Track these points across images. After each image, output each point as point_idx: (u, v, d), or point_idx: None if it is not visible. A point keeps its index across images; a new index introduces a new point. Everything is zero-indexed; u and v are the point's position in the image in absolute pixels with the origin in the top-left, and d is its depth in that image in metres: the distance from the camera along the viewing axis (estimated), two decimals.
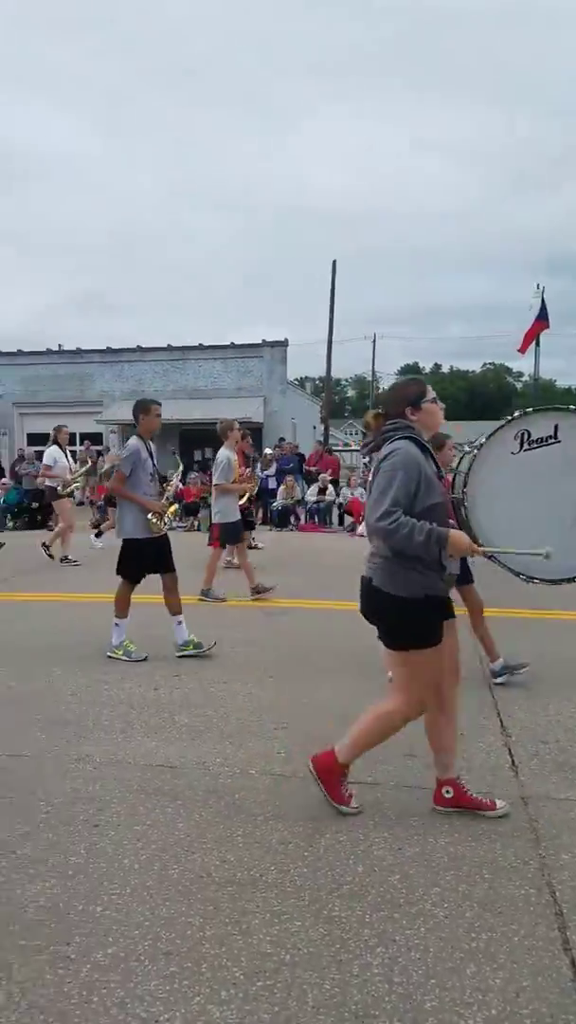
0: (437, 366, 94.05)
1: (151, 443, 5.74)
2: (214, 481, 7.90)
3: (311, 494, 16.51)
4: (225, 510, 7.80)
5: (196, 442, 21.91)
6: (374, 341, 51.01)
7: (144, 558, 5.61)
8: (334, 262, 26.83)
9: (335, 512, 16.61)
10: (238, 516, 7.91)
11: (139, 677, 5.16)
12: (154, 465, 5.71)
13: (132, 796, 3.40)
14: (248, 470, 9.95)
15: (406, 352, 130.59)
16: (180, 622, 5.66)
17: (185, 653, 5.59)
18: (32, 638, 6.30)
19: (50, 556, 10.53)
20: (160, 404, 5.83)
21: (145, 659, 5.51)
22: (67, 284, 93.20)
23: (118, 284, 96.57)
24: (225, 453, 7.84)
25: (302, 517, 16.34)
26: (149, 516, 5.52)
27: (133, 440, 5.66)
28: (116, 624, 5.62)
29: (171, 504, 5.86)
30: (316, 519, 16.19)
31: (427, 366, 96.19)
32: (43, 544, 10.73)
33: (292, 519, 16.27)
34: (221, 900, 2.62)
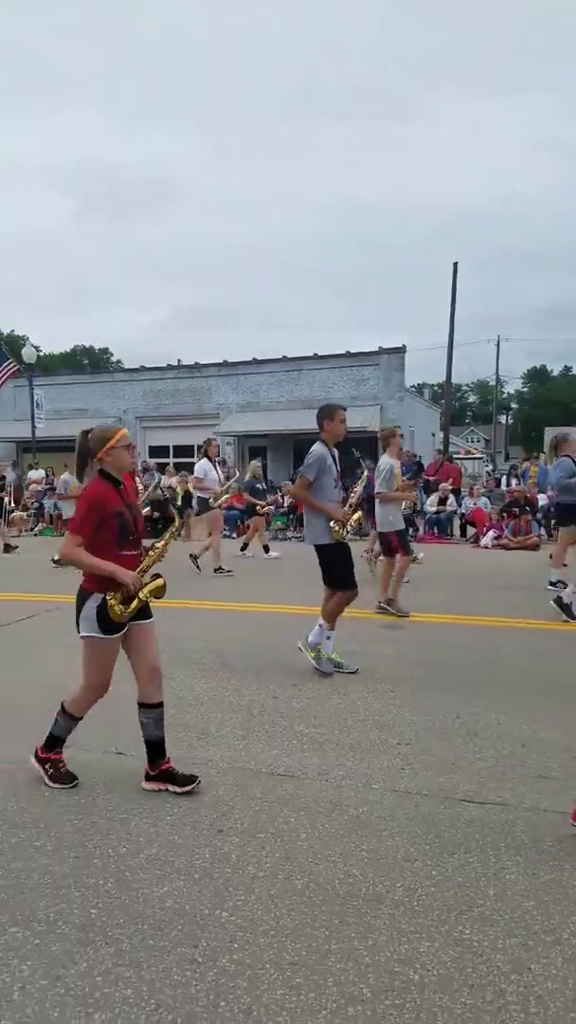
0: (567, 368, 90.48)
1: (335, 450, 5.63)
2: (376, 489, 7.77)
3: (430, 504, 16.24)
4: (395, 519, 7.74)
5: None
6: (498, 344, 49.76)
7: (347, 556, 5.55)
8: (455, 264, 26.40)
9: (456, 523, 16.26)
10: (403, 524, 7.95)
11: (258, 685, 5.24)
12: (339, 471, 5.62)
13: (255, 804, 3.45)
14: (406, 478, 9.89)
15: (532, 355, 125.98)
16: (329, 637, 5.61)
17: (316, 660, 5.56)
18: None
19: (198, 568, 10.79)
20: (345, 409, 5.71)
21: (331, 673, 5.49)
22: (184, 299, 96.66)
23: (233, 297, 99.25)
24: (387, 461, 7.75)
25: (421, 528, 16.10)
26: (332, 524, 5.44)
27: (318, 446, 5.57)
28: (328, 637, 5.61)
29: (354, 511, 5.67)
30: (436, 530, 15.90)
31: (555, 368, 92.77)
32: (191, 556, 10.97)
33: (411, 530, 16.05)
34: (347, 915, 2.61)
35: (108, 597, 3.42)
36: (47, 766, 3.68)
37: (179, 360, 28.63)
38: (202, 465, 11.25)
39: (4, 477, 15.33)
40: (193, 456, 24.66)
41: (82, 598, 3.52)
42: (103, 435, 3.53)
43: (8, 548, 13.54)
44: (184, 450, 25.68)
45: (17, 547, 13.71)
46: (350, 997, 2.21)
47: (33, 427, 21.91)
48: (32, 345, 24.02)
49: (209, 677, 5.46)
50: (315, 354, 25.66)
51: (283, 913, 2.62)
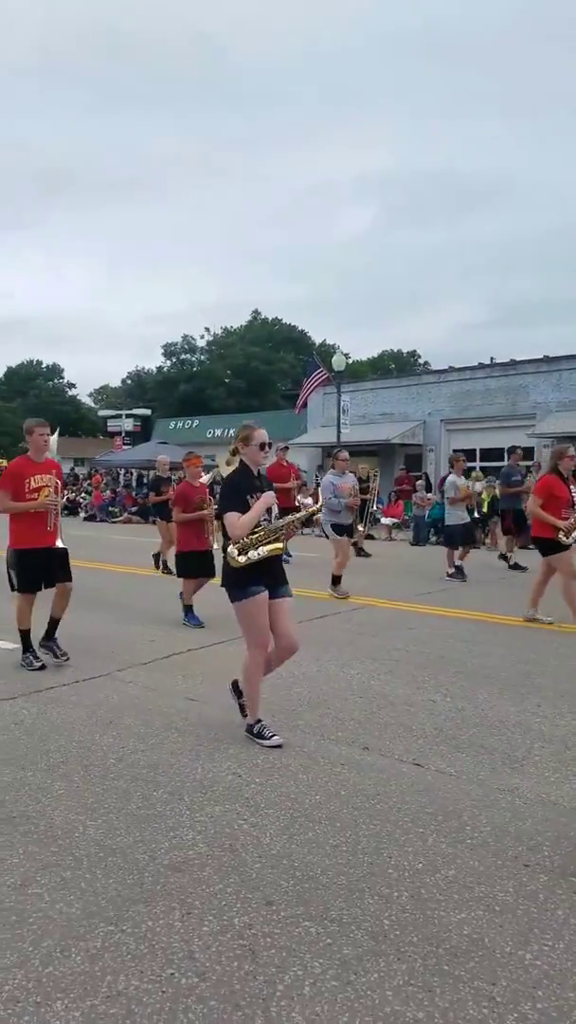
0: None
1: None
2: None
3: None
4: None
5: None
6: None
7: None
8: None
9: None
10: None
11: (574, 715, 4.92)
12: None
13: (567, 843, 3.23)
14: None
15: None
16: None
17: None
18: (459, 658, 6.45)
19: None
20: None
21: None
22: (497, 295, 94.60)
23: (554, 287, 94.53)
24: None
25: None
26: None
27: None
28: None
29: None
30: None
31: None
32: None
33: None
34: None
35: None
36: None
37: (492, 358, 28.13)
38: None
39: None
40: (504, 459, 24.07)
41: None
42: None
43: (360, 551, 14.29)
44: (492, 453, 25.13)
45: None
46: None
47: (339, 431, 23.04)
48: (342, 353, 25.35)
49: (517, 699, 5.25)
50: None
51: None
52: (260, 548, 4.25)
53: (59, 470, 6.18)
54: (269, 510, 4.38)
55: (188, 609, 7.61)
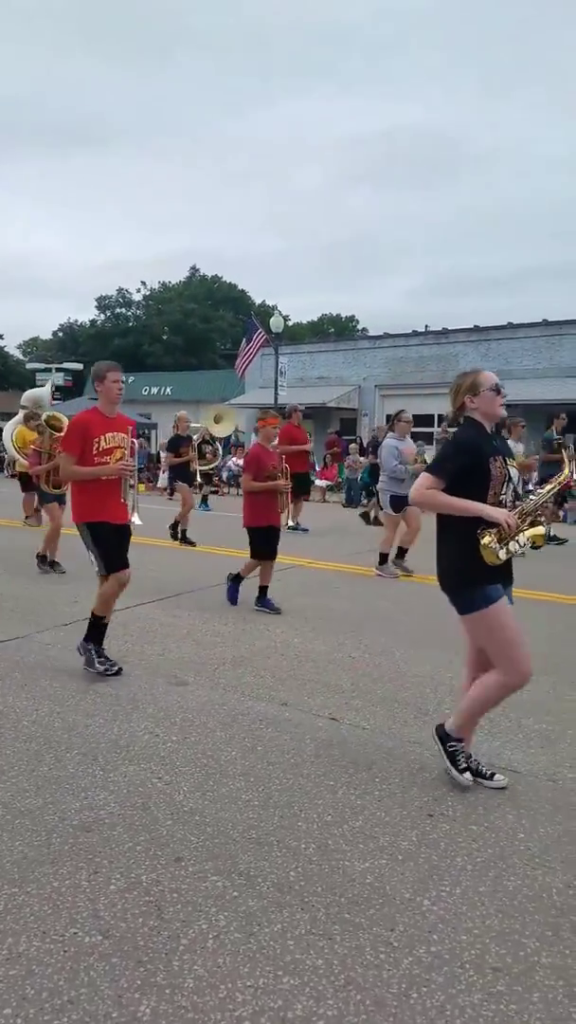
0: None
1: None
2: None
3: None
4: None
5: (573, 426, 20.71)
6: None
7: None
8: None
9: None
10: None
11: None
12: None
13: (470, 794, 3.31)
14: None
15: None
16: None
17: None
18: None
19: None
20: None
21: None
22: (432, 265, 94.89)
23: (487, 260, 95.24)
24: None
25: None
26: None
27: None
28: None
29: None
30: None
31: None
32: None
33: None
34: (562, 928, 2.42)
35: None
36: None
37: (426, 326, 28.26)
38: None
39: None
40: (433, 426, 24.33)
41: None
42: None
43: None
44: (425, 419, 25.38)
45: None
46: (557, 1018, 2.04)
47: (276, 394, 22.90)
48: (280, 314, 25.06)
49: (432, 655, 5.35)
50: None
51: (490, 913, 2.49)
52: (521, 535, 3.22)
53: (134, 427, 4.96)
54: (508, 479, 3.32)
55: (263, 592, 6.71)
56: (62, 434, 6.57)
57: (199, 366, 43.75)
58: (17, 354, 65.70)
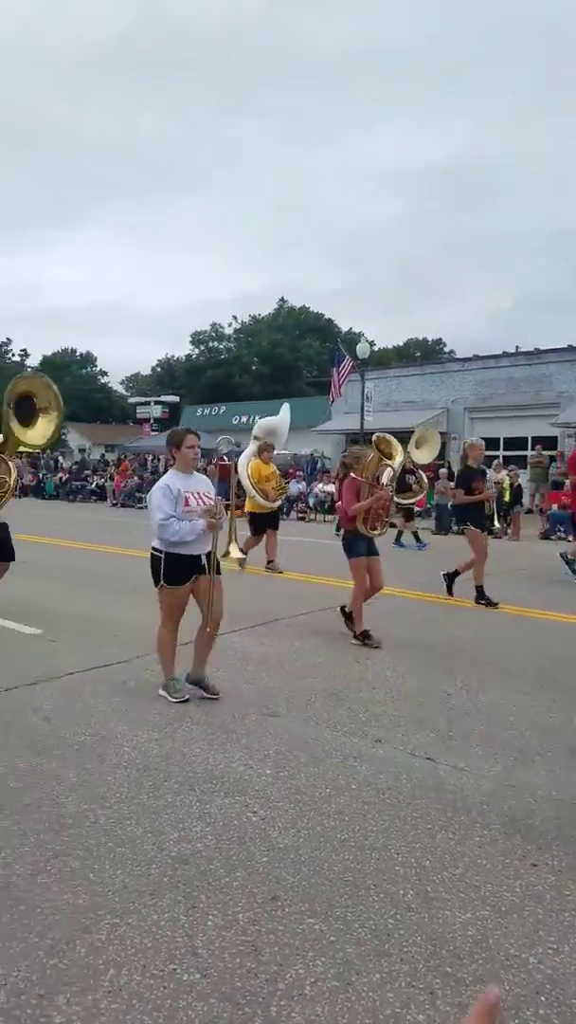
0: None
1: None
2: None
3: None
4: None
5: None
6: None
7: None
8: None
9: None
10: None
11: None
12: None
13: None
14: None
15: None
16: None
17: None
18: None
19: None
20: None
21: None
22: (526, 285, 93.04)
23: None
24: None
25: None
26: None
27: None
28: None
29: None
30: None
31: None
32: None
33: None
34: None
35: None
36: None
37: (517, 347, 27.74)
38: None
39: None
40: (527, 449, 23.77)
41: None
42: None
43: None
44: (516, 442, 24.85)
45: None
46: None
47: (362, 419, 22.89)
48: (366, 340, 25.15)
49: (532, 695, 5.17)
50: None
51: None
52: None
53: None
54: None
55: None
56: (392, 462, 6.66)
57: (287, 394, 44.20)
58: (120, 389, 68.50)
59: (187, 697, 4.80)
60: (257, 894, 2.76)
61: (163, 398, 45.16)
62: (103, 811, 3.35)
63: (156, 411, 42.67)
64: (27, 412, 6.07)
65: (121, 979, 2.31)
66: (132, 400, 51.27)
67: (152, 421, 42.28)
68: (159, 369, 64.22)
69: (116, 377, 72.26)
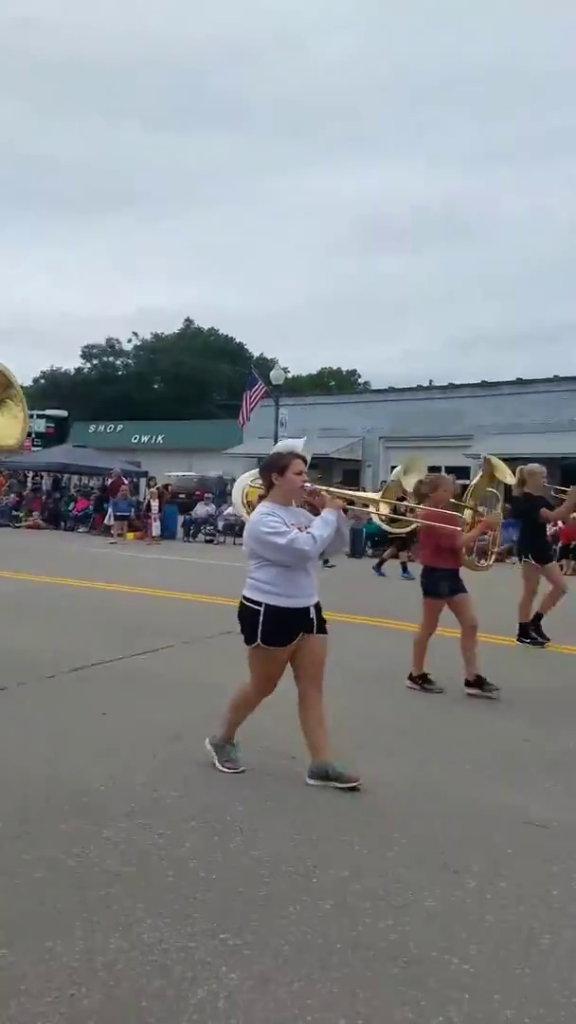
0: None
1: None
2: None
3: None
4: None
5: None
6: None
7: None
8: None
9: None
10: None
11: (515, 727, 4.93)
12: None
13: (495, 850, 3.22)
14: None
15: None
16: None
17: None
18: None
19: None
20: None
21: None
22: (442, 324, 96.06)
23: (498, 319, 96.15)
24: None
25: None
26: None
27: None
28: None
29: None
30: None
31: None
32: None
33: None
34: None
35: None
36: None
37: (431, 381, 28.82)
38: None
39: None
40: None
41: None
42: None
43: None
44: (430, 471, 25.56)
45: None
46: None
47: (275, 444, 23.05)
48: (280, 367, 25.51)
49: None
50: None
51: (524, 973, 2.38)
52: None
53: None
54: None
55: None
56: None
57: (195, 416, 43.83)
58: None
59: (243, 769, 4.01)
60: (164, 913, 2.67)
61: (48, 412, 42.93)
62: None
63: (40, 425, 40.33)
64: None
65: (11, 1010, 2.17)
66: None
67: (34, 436, 39.96)
68: (43, 381, 61.18)
69: None
